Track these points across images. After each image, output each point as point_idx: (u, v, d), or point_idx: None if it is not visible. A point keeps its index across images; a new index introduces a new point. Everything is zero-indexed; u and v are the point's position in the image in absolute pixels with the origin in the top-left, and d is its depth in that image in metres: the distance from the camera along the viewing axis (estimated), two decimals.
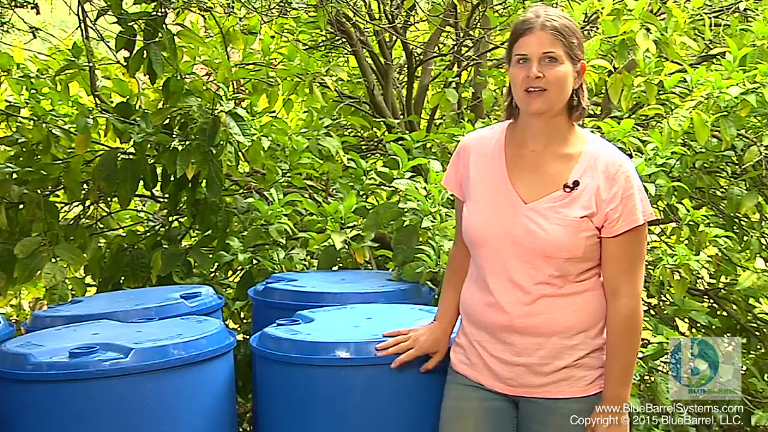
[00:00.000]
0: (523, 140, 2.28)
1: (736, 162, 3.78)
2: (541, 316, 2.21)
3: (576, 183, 2.20)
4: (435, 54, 5.34)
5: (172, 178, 3.91)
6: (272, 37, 5.05)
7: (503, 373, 2.27)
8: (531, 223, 2.20)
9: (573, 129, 2.27)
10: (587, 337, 2.23)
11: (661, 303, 4.00)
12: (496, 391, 2.29)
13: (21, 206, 3.92)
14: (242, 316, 4.01)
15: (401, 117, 5.04)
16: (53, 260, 3.70)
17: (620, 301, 2.21)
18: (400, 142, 4.06)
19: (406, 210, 3.40)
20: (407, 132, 4.50)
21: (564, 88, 2.19)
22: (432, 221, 3.29)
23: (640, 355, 3.07)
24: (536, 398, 2.26)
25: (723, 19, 4.46)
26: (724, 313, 4.07)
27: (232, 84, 4.44)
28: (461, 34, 5.22)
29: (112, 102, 4.27)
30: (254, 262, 3.73)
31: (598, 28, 4.33)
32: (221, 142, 3.81)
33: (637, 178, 2.23)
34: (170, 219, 4.27)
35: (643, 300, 4.05)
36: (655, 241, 4.09)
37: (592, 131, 3.64)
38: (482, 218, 2.27)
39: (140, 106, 4.20)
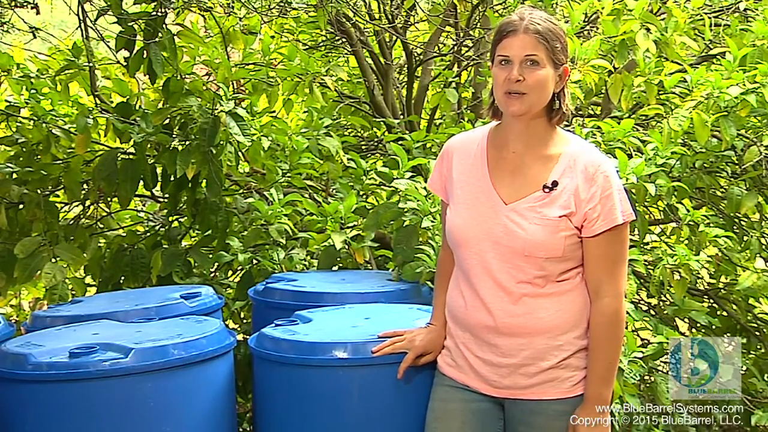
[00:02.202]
0: (505, 142, 2.30)
1: (736, 162, 3.78)
2: (525, 316, 2.21)
3: (555, 183, 2.21)
4: (435, 54, 5.34)
5: (172, 178, 3.91)
6: (272, 37, 5.05)
7: (488, 374, 2.27)
8: (511, 223, 2.21)
9: (554, 131, 2.29)
10: (572, 337, 2.23)
11: (661, 303, 4.00)
12: (482, 392, 2.30)
13: (21, 206, 3.92)
14: (242, 316, 4.01)
15: (401, 117, 5.04)
16: (53, 260, 3.70)
17: (602, 301, 2.22)
18: (400, 142, 4.06)
19: (406, 210, 3.40)
20: (407, 132, 4.50)
21: (543, 91, 2.20)
22: (432, 221, 3.29)
23: (640, 355, 3.07)
24: (521, 399, 2.26)
25: (723, 19, 4.46)
26: (724, 313, 4.07)
27: (232, 84, 4.44)
28: (461, 34, 5.22)
29: (112, 102, 4.27)
30: (254, 262, 3.73)
31: (598, 28, 4.33)
32: (221, 142, 3.81)
33: (617, 178, 2.25)
34: (170, 219, 4.27)
35: (643, 300, 4.10)
36: (655, 241, 4.10)
37: (592, 131, 3.69)
38: (464, 219, 2.28)
39: (140, 106, 4.20)
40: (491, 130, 2.35)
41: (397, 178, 3.64)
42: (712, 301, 4.15)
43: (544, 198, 2.21)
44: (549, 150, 2.26)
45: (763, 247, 3.90)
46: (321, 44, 5.63)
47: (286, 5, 4.69)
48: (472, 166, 2.32)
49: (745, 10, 4.54)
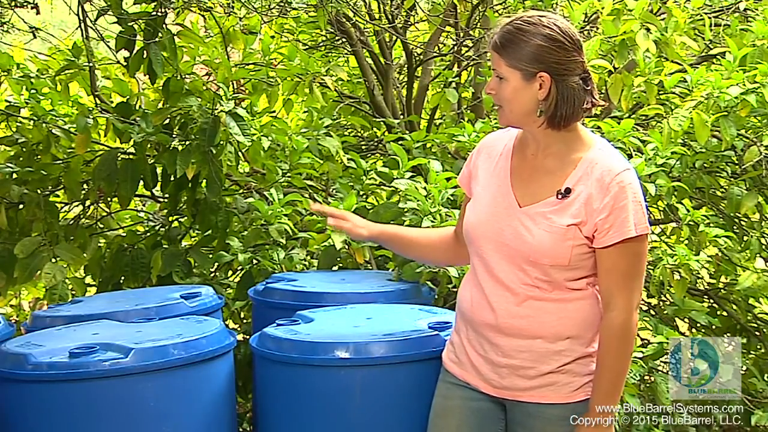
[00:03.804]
0: (527, 144, 2.27)
1: (736, 162, 3.78)
2: (528, 318, 2.19)
3: (568, 190, 2.16)
4: (435, 54, 5.34)
5: (172, 178, 3.91)
6: (272, 37, 5.05)
7: (488, 373, 2.26)
8: (521, 226, 2.18)
9: (574, 133, 2.21)
10: (575, 343, 2.19)
11: (661, 303, 4.00)
12: (482, 391, 2.29)
13: (21, 206, 3.92)
14: (242, 316, 4.01)
15: (401, 117, 5.04)
16: (53, 260, 3.70)
17: (611, 314, 2.16)
18: (400, 142, 4.06)
19: (406, 210, 3.40)
20: (407, 132, 4.50)
21: (514, 103, 2.16)
22: (432, 221, 3.29)
23: (640, 355, 3.07)
24: (521, 402, 2.24)
25: (723, 19, 4.46)
26: (724, 313, 4.07)
27: (232, 84, 4.44)
28: (461, 34, 5.22)
29: (112, 102, 4.27)
30: (254, 262, 3.73)
31: (598, 28, 4.33)
32: (221, 142, 3.81)
33: (635, 189, 2.15)
34: (170, 219, 4.27)
35: (643, 300, 4.10)
36: (655, 241, 4.10)
37: (592, 131, 3.68)
38: (477, 217, 2.27)
39: (140, 106, 4.20)
40: (521, 131, 2.31)
41: (397, 178, 3.64)
42: (712, 301, 4.14)
43: (556, 204, 2.16)
44: (570, 154, 2.19)
45: (763, 247, 3.90)
46: (321, 44, 5.63)
47: (286, 5, 4.69)
48: (497, 165, 2.30)
49: (745, 10, 4.54)
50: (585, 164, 2.17)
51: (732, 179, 3.82)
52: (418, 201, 3.35)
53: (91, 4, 3.94)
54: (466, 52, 5.33)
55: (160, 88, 3.98)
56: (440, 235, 2.53)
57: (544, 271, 2.17)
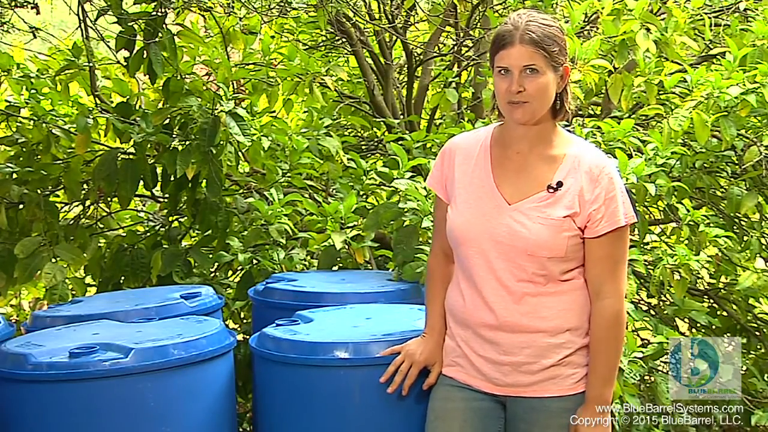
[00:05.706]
0: (509, 142, 2.30)
1: (736, 162, 3.78)
2: (528, 315, 2.22)
3: (560, 184, 2.22)
4: (435, 54, 5.34)
5: (172, 178, 3.91)
6: (272, 37, 5.05)
7: (490, 372, 2.27)
8: (515, 223, 2.21)
9: (557, 131, 2.29)
10: (574, 335, 2.24)
11: (661, 303, 4.00)
12: (483, 391, 2.30)
13: (21, 206, 3.92)
14: (242, 316, 4.01)
15: (401, 117, 5.04)
16: (53, 260, 3.70)
17: (603, 302, 2.23)
18: (400, 142, 4.05)
19: (406, 210, 3.40)
20: (407, 132, 4.50)
21: (545, 97, 2.20)
22: (432, 221, 3.28)
23: (640, 355, 3.07)
24: (523, 397, 2.26)
25: (723, 19, 4.46)
26: (724, 313, 4.07)
27: (232, 84, 4.44)
28: (461, 34, 5.22)
29: (112, 102, 4.27)
30: (254, 262, 3.73)
31: (598, 28, 4.33)
32: (221, 142, 3.81)
33: (620, 180, 2.26)
34: (170, 219, 4.27)
35: (643, 300, 4.10)
36: (655, 241, 4.10)
37: (592, 131, 3.69)
38: (465, 218, 2.28)
39: (140, 106, 4.20)
40: (495, 130, 2.34)
41: (397, 178, 3.64)
42: (712, 301, 4.15)
43: (548, 198, 2.22)
44: (553, 150, 2.26)
45: (763, 247, 3.90)
46: (321, 44, 5.64)
47: (286, 5, 4.69)
48: (475, 166, 2.31)
49: (745, 10, 4.54)
50: (571, 159, 2.24)
51: (732, 179, 3.82)
52: (418, 201, 3.35)
53: (91, 4, 3.94)
54: (466, 52, 5.34)
55: (160, 88, 3.98)
56: (441, 273, 2.43)
57: (542, 265, 2.20)
